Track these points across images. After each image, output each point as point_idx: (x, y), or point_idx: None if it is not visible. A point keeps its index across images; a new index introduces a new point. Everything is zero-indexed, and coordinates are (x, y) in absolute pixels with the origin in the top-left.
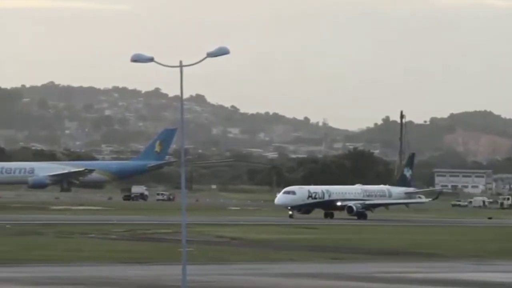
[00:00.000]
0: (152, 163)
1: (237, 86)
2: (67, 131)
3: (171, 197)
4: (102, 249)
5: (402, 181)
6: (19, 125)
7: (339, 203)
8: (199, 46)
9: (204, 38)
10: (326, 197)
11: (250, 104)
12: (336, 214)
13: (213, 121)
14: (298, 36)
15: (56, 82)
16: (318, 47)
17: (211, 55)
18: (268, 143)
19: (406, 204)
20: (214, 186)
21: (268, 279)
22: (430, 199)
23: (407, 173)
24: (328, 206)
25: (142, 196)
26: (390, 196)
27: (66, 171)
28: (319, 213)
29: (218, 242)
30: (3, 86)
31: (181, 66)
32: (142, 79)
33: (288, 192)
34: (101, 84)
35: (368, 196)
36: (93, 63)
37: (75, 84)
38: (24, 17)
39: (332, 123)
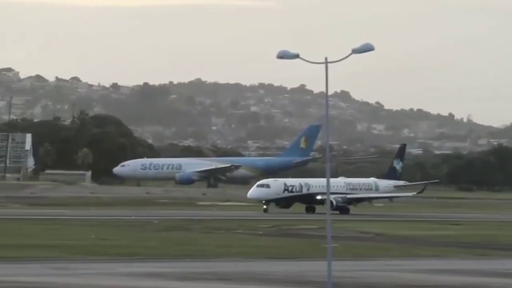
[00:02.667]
0: (297, 159)
1: (381, 83)
2: (214, 128)
3: None
4: (248, 244)
5: (392, 174)
6: (166, 121)
7: (319, 197)
8: (345, 42)
9: (349, 34)
10: (305, 190)
11: (394, 101)
12: (319, 208)
13: (358, 117)
14: (442, 32)
15: (203, 79)
16: (463, 43)
17: (356, 51)
18: (412, 139)
19: (390, 198)
20: None
21: (412, 275)
22: (414, 192)
23: (397, 165)
24: (308, 200)
25: None
26: (377, 189)
27: (213, 167)
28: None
29: (362, 238)
30: (151, 83)
31: (326, 62)
32: (288, 76)
33: (262, 185)
34: (247, 81)
35: (352, 189)
36: (239, 60)
37: (222, 81)
38: (173, 15)
39: (476, 119)
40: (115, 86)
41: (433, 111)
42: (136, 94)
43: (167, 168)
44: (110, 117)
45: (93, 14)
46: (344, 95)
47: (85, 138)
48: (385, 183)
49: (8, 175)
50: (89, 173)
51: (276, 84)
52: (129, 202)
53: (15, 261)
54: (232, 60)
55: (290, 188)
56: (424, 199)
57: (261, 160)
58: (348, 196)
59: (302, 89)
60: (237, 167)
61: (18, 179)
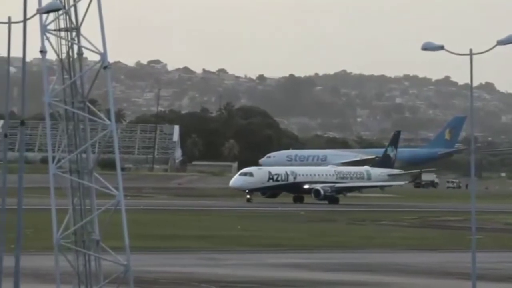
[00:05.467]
0: (442, 150)
1: None
2: (358, 119)
3: (460, 184)
4: (393, 236)
5: (385, 162)
6: (312, 113)
7: (306, 186)
8: (490, 34)
9: (495, 25)
10: (291, 179)
11: None
12: (308, 198)
13: (503, 109)
14: None
15: (348, 71)
16: None
17: (502, 43)
18: None
19: (381, 187)
20: (503, 174)
21: None
22: (406, 181)
23: (391, 153)
24: (295, 190)
25: (432, 184)
26: (369, 178)
27: (358, 158)
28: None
29: (507, 230)
30: (297, 75)
31: (471, 54)
32: (433, 67)
33: (245, 174)
34: (392, 73)
35: (342, 178)
36: (384, 51)
37: (367, 72)
38: (320, 8)
39: None
40: (261, 77)
41: None
42: (282, 85)
43: (312, 160)
44: (256, 108)
45: (238, 8)
46: (488, 87)
47: (232, 129)
48: (378, 172)
49: (156, 166)
50: (235, 164)
51: (420, 75)
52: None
53: (166, 251)
54: (376, 52)
55: (275, 177)
56: None
57: (406, 152)
58: (337, 185)
59: (447, 80)
60: None
61: (166, 170)
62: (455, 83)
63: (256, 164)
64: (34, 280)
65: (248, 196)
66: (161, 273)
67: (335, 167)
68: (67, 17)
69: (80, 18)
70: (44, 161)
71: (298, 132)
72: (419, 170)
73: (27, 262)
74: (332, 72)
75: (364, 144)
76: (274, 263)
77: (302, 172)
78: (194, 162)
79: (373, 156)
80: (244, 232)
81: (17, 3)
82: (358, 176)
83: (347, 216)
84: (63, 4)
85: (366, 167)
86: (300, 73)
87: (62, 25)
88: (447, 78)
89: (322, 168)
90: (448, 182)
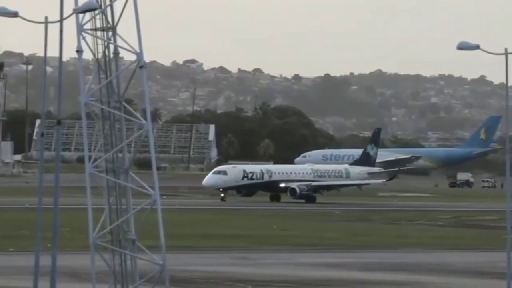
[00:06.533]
0: (477, 150)
1: None
2: (394, 118)
3: (495, 184)
4: (429, 235)
5: (365, 160)
6: (347, 112)
7: (282, 185)
8: None
9: None
10: (266, 178)
11: None
12: (284, 197)
13: None
14: None
15: (384, 70)
16: None
17: None
18: None
19: (358, 185)
20: None
21: None
22: (384, 180)
23: (371, 150)
24: (271, 188)
25: (467, 183)
26: (348, 176)
27: (393, 158)
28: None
29: None
30: (332, 74)
31: (506, 53)
32: (468, 67)
33: (218, 172)
34: (427, 72)
35: (319, 176)
36: (419, 51)
37: (402, 72)
38: (355, 8)
39: None
40: (296, 77)
41: None
42: (317, 85)
43: (348, 159)
44: (292, 108)
45: (272, 8)
46: None
47: (267, 129)
48: (358, 170)
49: (191, 165)
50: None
51: (456, 75)
52: None
53: (201, 251)
54: (411, 51)
55: (250, 175)
56: None
57: (441, 151)
58: (313, 183)
59: (482, 80)
60: (417, 158)
61: (201, 169)
62: (491, 83)
63: (291, 163)
64: (70, 279)
65: (222, 195)
66: (196, 272)
67: (313, 165)
68: (104, 17)
69: (116, 18)
70: (81, 160)
71: (333, 131)
72: (397, 169)
73: (63, 261)
74: (367, 72)
75: (399, 143)
76: (310, 262)
77: (277, 170)
78: (229, 162)
79: (409, 156)
80: (279, 231)
81: (53, 3)
82: (337, 174)
83: (383, 215)
84: (100, 3)
85: (346, 166)
86: (336, 72)
87: (98, 25)
88: (482, 77)
89: (299, 166)
90: (483, 181)
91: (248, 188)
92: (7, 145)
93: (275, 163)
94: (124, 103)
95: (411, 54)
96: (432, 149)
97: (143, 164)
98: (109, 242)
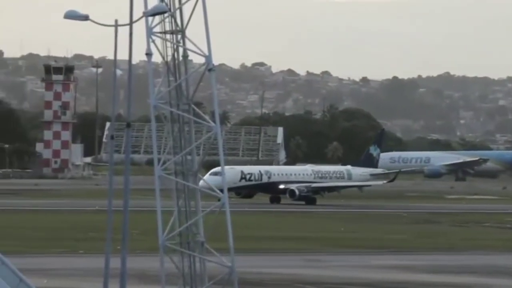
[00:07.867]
0: None
1: None
2: (462, 121)
3: None
4: (496, 238)
5: (368, 161)
6: (415, 115)
7: (281, 186)
8: None
9: None
10: (265, 179)
11: None
12: (284, 199)
13: None
14: None
15: (452, 73)
16: None
17: None
18: None
19: (359, 187)
20: None
21: None
22: (384, 181)
23: (374, 152)
24: (271, 190)
25: None
26: (349, 178)
27: (461, 160)
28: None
29: None
30: (400, 77)
31: None
32: None
33: (215, 174)
34: (495, 74)
35: (320, 178)
36: (487, 53)
37: (470, 74)
38: (422, 10)
39: None
40: (364, 80)
41: None
42: (385, 87)
43: (416, 162)
44: (360, 110)
45: (341, 11)
46: None
47: (335, 131)
48: (360, 171)
49: None
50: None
51: None
52: (378, 195)
53: (269, 253)
54: (480, 54)
55: (248, 177)
56: None
57: (509, 154)
58: (313, 185)
59: None
60: (485, 161)
61: None
62: None
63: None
64: (140, 281)
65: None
66: (265, 275)
67: (313, 166)
68: (173, 20)
69: (185, 21)
70: (150, 163)
71: (402, 134)
72: (398, 170)
73: (133, 263)
74: (435, 74)
75: (467, 146)
76: (378, 264)
77: (277, 171)
78: (297, 164)
79: (477, 158)
80: (347, 234)
81: (123, 7)
82: (338, 175)
83: (451, 218)
84: (169, 6)
85: (348, 167)
86: (404, 75)
87: (167, 28)
88: None
89: (299, 167)
90: None
91: (247, 190)
92: (78, 148)
93: (343, 165)
94: (193, 105)
95: (479, 56)
96: (500, 152)
97: (212, 167)
98: (178, 244)
